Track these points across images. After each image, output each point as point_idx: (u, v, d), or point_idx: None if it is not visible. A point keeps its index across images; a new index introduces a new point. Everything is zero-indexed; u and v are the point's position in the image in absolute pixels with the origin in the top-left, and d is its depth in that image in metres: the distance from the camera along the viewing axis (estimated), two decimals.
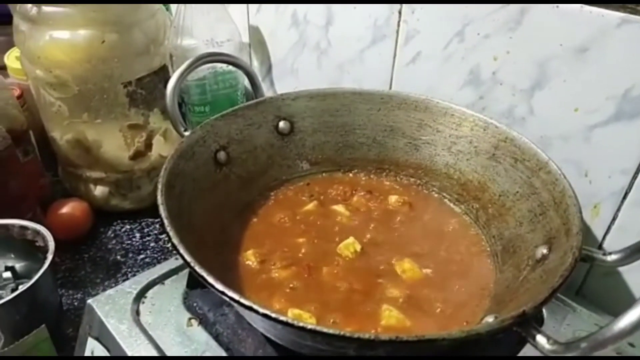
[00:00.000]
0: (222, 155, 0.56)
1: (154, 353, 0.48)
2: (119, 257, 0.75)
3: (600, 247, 0.55)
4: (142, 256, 0.75)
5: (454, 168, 0.60)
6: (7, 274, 0.63)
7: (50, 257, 0.58)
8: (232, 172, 0.57)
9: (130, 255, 0.75)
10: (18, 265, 0.64)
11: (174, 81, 0.56)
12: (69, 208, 0.76)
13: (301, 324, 0.33)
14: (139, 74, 0.72)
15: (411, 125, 0.62)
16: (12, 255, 0.64)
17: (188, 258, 0.38)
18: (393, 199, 0.60)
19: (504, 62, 0.56)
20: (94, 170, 0.78)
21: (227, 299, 0.35)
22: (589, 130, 0.52)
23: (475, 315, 0.46)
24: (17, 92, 0.81)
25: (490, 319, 0.43)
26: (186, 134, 0.54)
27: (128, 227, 0.80)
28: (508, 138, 0.55)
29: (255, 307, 0.34)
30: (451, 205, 0.60)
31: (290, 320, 0.33)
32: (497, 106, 0.59)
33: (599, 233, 0.55)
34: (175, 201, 0.46)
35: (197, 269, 0.37)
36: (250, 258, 0.51)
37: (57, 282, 0.67)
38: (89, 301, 0.53)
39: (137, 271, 0.73)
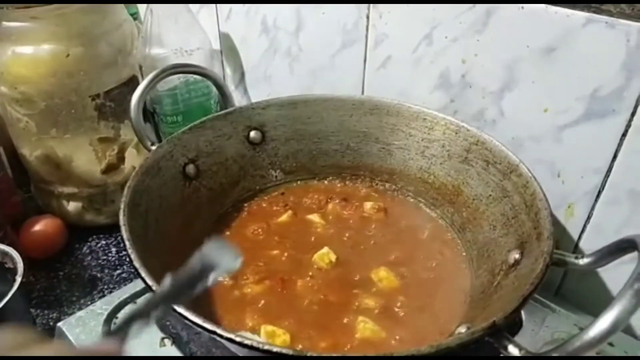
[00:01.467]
0: (191, 168, 0.55)
1: None
2: (95, 273, 0.74)
3: (576, 247, 0.55)
4: (118, 271, 0.74)
5: (428, 172, 0.60)
6: None
7: (19, 279, 0.56)
8: (202, 185, 0.56)
9: (107, 271, 0.74)
10: None
11: (138, 95, 0.54)
12: (41, 225, 0.74)
13: (266, 347, 0.33)
14: (107, 87, 0.71)
15: (384, 130, 0.62)
16: None
17: (149, 282, 0.37)
18: (368, 205, 0.60)
19: (473, 65, 0.56)
20: (66, 186, 0.76)
21: (191, 324, 0.34)
22: (560, 131, 0.52)
23: (450, 324, 0.46)
24: None
25: (462, 329, 0.42)
26: (153, 148, 0.53)
27: (104, 242, 0.79)
28: (479, 141, 0.55)
29: (219, 331, 0.33)
30: (427, 210, 0.60)
31: (255, 344, 0.33)
32: (468, 109, 0.59)
33: (574, 233, 0.54)
34: (141, 220, 0.45)
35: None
36: None
37: (29, 303, 0.65)
38: (59, 324, 0.52)
39: (114, 287, 0.71)
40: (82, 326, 0.51)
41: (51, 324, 0.66)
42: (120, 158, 0.76)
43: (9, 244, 0.68)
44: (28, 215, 0.76)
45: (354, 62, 0.67)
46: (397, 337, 0.45)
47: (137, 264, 0.38)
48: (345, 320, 0.46)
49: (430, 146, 0.59)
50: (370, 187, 0.63)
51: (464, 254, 0.54)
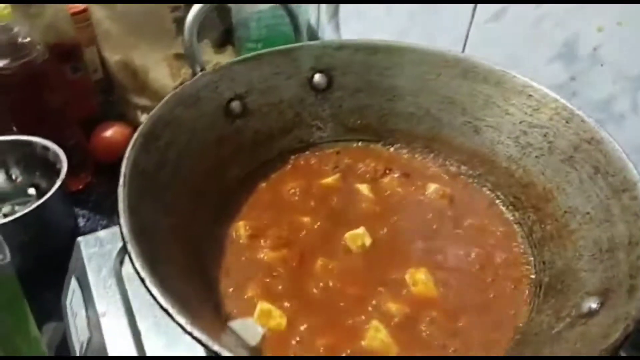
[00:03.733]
0: (236, 105, 0.49)
1: (120, 310, 0.44)
2: None
3: None
4: None
5: (517, 164, 0.47)
6: (32, 191, 0.63)
7: (59, 181, 0.56)
8: (247, 126, 0.50)
9: None
10: (44, 184, 0.64)
11: (196, 9, 0.48)
12: (112, 131, 0.74)
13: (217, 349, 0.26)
14: None
15: (476, 100, 0.50)
16: (38, 173, 0.63)
17: (126, 229, 0.32)
18: (432, 187, 0.50)
19: (611, 36, 0.41)
20: (142, 97, 0.75)
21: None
22: None
23: None
24: (81, 6, 0.78)
25: None
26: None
27: None
28: (594, 139, 0.41)
29: (188, 329, 0.27)
30: (503, 209, 0.48)
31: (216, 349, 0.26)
32: (592, 94, 0.45)
33: None
34: (155, 155, 0.40)
35: (130, 246, 0.31)
36: (239, 230, 0.45)
37: (71, 206, 0.66)
38: (78, 239, 0.50)
39: None
40: (99, 247, 0.49)
41: (98, 229, 0.67)
42: None
43: (75, 144, 0.69)
44: (106, 119, 0.77)
45: (460, 8, 0.54)
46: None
47: (122, 205, 0.33)
48: (355, 321, 0.39)
49: (529, 132, 0.47)
50: (443, 166, 0.52)
51: (533, 276, 0.42)
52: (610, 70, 0.42)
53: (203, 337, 0.27)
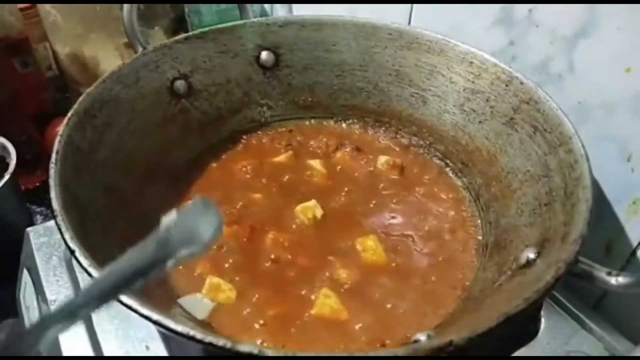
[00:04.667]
0: (180, 84, 0.48)
1: (70, 297, 0.43)
2: None
3: (632, 255, 0.42)
4: None
5: (463, 131, 0.48)
6: None
7: (7, 174, 0.55)
8: (193, 106, 0.49)
9: None
10: None
11: None
12: None
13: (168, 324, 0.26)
14: None
15: (421, 71, 0.50)
16: None
17: (57, 207, 0.31)
18: (383, 159, 0.50)
19: None
20: None
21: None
22: None
23: (429, 321, 0.37)
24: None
25: (422, 336, 0.33)
26: None
27: None
28: (532, 99, 0.42)
29: (134, 306, 0.26)
30: (452, 176, 0.49)
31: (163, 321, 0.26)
32: (530, 56, 0.45)
33: (633, 237, 0.41)
34: (92, 133, 0.40)
35: (60, 219, 0.30)
36: None
37: (23, 201, 0.64)
38: (28, 229, 0.49)
39: None
40: (49, 236, 0.48)
41: None
42: None
43: (27, 139, 0.68)
44: (61, 115, 0.75)
45: None
46: (361, 325, 0.37)
47: (53, 181, 0.33)
48: (306, 290, 0.39)
49: (472, 98, 0.47)
50: (394, 138, 0.53)
51: (480, 237, 0.43)
52: (545, 31, 0.43)
53: (128, 301, 0.26)
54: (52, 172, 0.33)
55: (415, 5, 0.54)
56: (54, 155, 0.35)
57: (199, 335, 0.25)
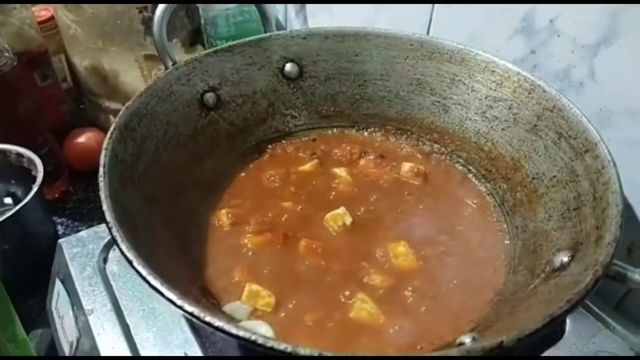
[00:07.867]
0: (210, 97, 0.49)
1: (107, 306, 0.44)
2: None
3: None
4: None
5: (485, 138, 0.49)
6: (8, 200, 0.63)
7: (36, 187, 0.56)
8: (222, 117, 0.51)
9: None
10: (21, 193, 0.63)
11: (163, 6, 0.49)
12: (85, 137, 0.74)
13: (213, 322, 0.27)
14: None
15: (442, 80, 0.52)
16: (13, 182, 0.63)
17: (109, 218, 0.32)
18: (407, 166, 0.51)
19: (566, 7, 0.44)
20: (113, 101, 0.75)
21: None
22: None
23: (464, 323, 0.38)
24: (47, 14, 0.78)
25: (467, 338, 0.34)
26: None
27: None
28: (555, 107, 0.43)
29: (179, 303, 0.27)
30: (475, 182, 0.50)
31: (210, 320, 0.27)
32: (551, 64, 0.47)
33: None
34: (133, 146, 0.41)
35: (115, 231, 0.31)
36: (222, 218, 0.45)
37: (48, 212, 0.65)
38: (60, 241, 0.50)
39: None
40: (81, 247, 0.49)
41: None
42: None
43: (48, 151, 0.68)
44: (78, 127, 0.76)
45: None
46: (397, 327, 0.38)
47: (103, 193, 0.34)
48: (342, 295, 0.40)
49: (494, 106, 0.49)
50: (416, 146, 0.54)
51: (507, 242, 0.44)
52: (567, 40, 0.44)
53: (195, 310, 0.27)
54: (101, 184, 0.34)
55: (434, 16, 0.56)
56: (101, 169, 0.36)
57: (260, 339, 0.26)
